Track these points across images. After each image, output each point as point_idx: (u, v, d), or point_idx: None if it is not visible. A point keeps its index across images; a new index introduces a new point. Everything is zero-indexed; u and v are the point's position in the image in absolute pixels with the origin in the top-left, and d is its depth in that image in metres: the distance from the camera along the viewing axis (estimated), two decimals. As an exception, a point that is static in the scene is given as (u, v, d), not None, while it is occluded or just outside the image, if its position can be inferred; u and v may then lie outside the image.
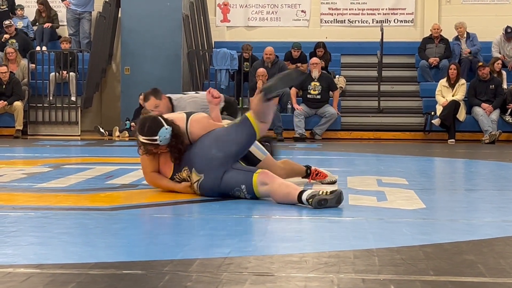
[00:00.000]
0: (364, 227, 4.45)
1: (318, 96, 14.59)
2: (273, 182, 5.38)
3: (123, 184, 6.49)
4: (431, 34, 16.15)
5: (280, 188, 5.33)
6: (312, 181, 6.57)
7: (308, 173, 6.59)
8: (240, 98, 15.50)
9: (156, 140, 5.58)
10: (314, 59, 14.94)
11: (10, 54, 15.30)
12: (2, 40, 15.93)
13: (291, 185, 5.39)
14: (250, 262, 3.42)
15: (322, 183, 6.53)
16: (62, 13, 17.05)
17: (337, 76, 15.69)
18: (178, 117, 5.84)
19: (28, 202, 5.31)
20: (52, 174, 7.28)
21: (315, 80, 14.60)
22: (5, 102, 14.45)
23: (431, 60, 15.84)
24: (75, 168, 8.03)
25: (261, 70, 14.58)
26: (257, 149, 6.14)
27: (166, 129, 5.60)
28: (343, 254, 3.62)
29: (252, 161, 6.12)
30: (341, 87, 15.57)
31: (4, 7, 16.69)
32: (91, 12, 16.65)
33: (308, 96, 14.62)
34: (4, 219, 4.59)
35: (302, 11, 17.20)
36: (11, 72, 14.83)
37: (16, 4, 16.82)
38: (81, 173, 7.43)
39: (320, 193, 5.13)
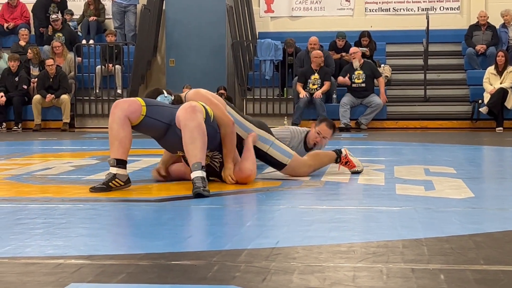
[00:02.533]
0: (412, 216, 4.41)
1: (363, 85, 14.51)
2: None
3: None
4: (477, 22, 15.95)
5: None
6: (341, 168, 6.52)
7: (338, 160, 6.50)
8: (285, 88, 15.47)
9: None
10: (353, 48, 14.86)
11: (57, 47, 15.46)
12: (49, 33, 16.10)
13: None
14: (298, 252, 3.41)
15: (351, 172, 6.47)
16: (108, 6, 17.17)
17: (382, 65, 15.59)
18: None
19: (77, 194, 5.36)
20: (100, 167, 7.34)
21: (358, 69, 14.51)
22: (53, 96, 14.62)
23: (478, 47, 15.65)
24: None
25: (317, 52, 14.54)
26: (280, 153, 6.14)
27: (166, 96, 5.71)
28: (391, 244, 3.59)
29: (277, 165, 6.15)
30: (387, 76, 15.45)
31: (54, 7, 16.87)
32: (136, 5, 16.75)
33: (352, 85, 14.54)
34: (54, 211, 4.64)
35: (347, 0, 17.10)
36: (57, 65, 14.98)
37: (67, 9, 16.88)
38: (128, 165, 7.45)
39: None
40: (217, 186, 5.70)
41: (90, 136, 12.78)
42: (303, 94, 14.45)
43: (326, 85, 14.54)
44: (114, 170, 5.47)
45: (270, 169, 6.60)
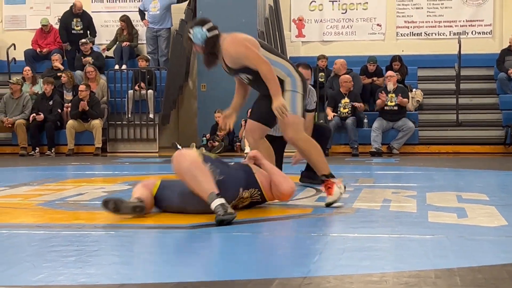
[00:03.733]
0: (445, 245, 4.38)
1: (395, 108, 14.47)
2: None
3: (201, 202, 6.51)
4: (509, 46, 15.86)
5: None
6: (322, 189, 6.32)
7: (323, 180, 6.21)
8: (316, 112, 15.45)
9: (189, 37, 6.11)
10: (390, 72, 14.86)
11: (90, 72, 15.61)
12: (83, 63, 16.24)
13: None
14: (329, 282, 3.40)
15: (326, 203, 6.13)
16: (141, 32, 17.33)
17: (414, 90, 15.54)
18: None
19: (109, 221, 5.38)
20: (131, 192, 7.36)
21: (391, 92, 14.50)
22: (85, 103, 14.66)
23: (510, 72, 15.55)
24: None
25: (346, 76, 14.62)
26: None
27: (203, 30, 6.08)
28: (424, 273, 3.57)
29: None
30: (418, 101, 15.41)
31: (78, 28, 17.00)
32: (168, 29, 16.86)
33: (385, 108, 14.52)
34: (86, 238, 4.67)
35: (378, 24, 17.10)
36: (91, 91, 15.11)
37: (88, 38, 17.02)
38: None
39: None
40: (249, 213, 5.70)
41: (122, 161, 12.85)
42: (331, 116, 14.46)
43: (361, 105, 14.61)
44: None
45: (303, 194, 6.59)
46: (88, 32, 17.03)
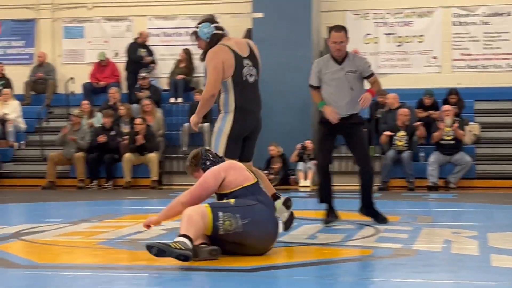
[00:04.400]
0: (511, 293, 4.31)
1: (452, 142, 14.33)
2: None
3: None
4: None
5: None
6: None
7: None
8: (372, 146, 15.38)
9: (196, 31, 6.33)
10: (447, 106, 14.74)
11: (147, 106, 15.78)
12: (140, 97, 16.43)
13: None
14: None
15: None
16: (198, 64, 17.49)
17: (470, 123, 15.38)
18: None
19: (170, 262, 5.40)
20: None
21: (448, 126, 14.39)
22: (142, 136, 14.79)
23: None
24: None
25: (403, 110, 14.57)
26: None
27: (210, 26, 6.31)
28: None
29: None
30: (475, 134, 15.24)
31: (144, 55, 17.21)
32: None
33: (441, 141, 14.39)
34: (151, 280, 4.69)
35: (434, 57, 17.01)
36: (147, 124, 15.26)
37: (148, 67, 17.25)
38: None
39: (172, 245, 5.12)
40: (308, 254, 5.68)
41: (178, 195, 12.89)
42: (386, 137, 14.44)
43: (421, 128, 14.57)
44: None
45: (361, 233, 6.55)
46: (153, 62, 17.27)
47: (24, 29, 18.59)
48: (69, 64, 18.33)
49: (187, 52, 17.25)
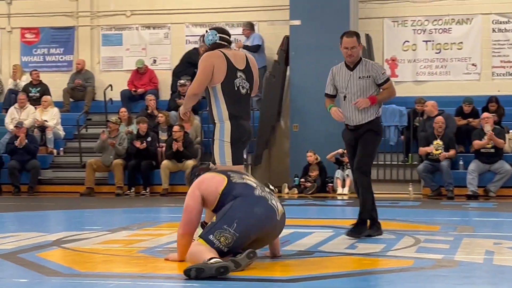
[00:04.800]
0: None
1: (492, 150, 14.18)
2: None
3: (299, 251, 6.50)
4: None
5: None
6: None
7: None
8: (410, 154, 15.30)
9: (204, 35, 6.54)
10: (486, 114, 14.60)
11: (184, 113, 15.79)
12: (179, 103, 16.48)
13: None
14: None
15: None
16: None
17: (510, 131, 15.21)
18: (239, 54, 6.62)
19: (210, 271, 5.39)
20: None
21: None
22: (179, 143, 14.81)
23: None
24: None
25: (439, 118, 14.49)
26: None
27: (216, 35, 6.47)
28: None
29: None
30: (515, 142, 15.09)
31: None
32: (261, 69, 16.96)
33: (481, 150, 14.24)
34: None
35: (473, 64, 16.86)
36: (185, 132, 15.31)
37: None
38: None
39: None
40: (348, 265, 5.64)
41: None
42: (425, 151, 14.33)
43: (452, 152, 14.32)
44: None
45: (402, 243, 6.49)
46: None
47: (63, 37, 18.78)
48: (107, 71, 18.48)
49: (219, 57, 17.24)
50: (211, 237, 5.43)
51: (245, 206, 5.56)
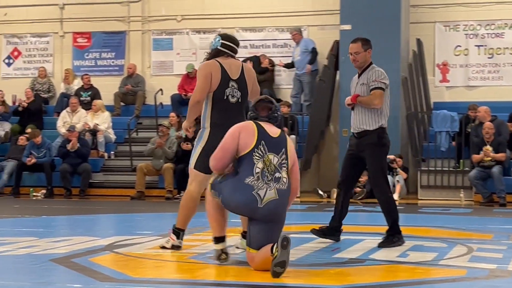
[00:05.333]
0: None
1: (545, 157, 14.00)
2: None
3: (350, 259, 6.46)
4: None
5: None
6: None
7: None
8: (461, 160, 15.13)
9: (214, 38, 6.79)
10: (537, 119, 14.42)
11: (234, 118, 15.85)
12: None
13: None
14: None
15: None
16: (284, 75, 17.56)
17: None
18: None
19: (260, 279, 5.39)
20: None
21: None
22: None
23: None
24: (298, 238, 7.93)
25: (488, 124, 14.34)
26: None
27: (219, 41, 6.76)
28: None
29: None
30: None
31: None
32: (310, 74, 16.94)
33: (532, 156, 14.07)
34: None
35: (526, 69, 16.64)
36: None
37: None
38: (306, 244, 7.48)
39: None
40: (400, 273, 5.59)
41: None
42: (480, 158, 14.14)
43: (500, 155, 14.13)
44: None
45: (454, 252, 6.42)
46: None
47: (115, 41, 18.97)
48: (158, 75, 18.62)
49: (271, 63, 17.32)
50: (212, 191, 5.91)
51: (231, 189, 5.78)
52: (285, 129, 15.77)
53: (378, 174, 7.46)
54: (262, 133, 5.84)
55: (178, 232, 6.93)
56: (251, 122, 5.96)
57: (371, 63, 7.56)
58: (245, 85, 6.81)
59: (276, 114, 6.02)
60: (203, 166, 6.59)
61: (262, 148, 5.79)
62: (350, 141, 7.72)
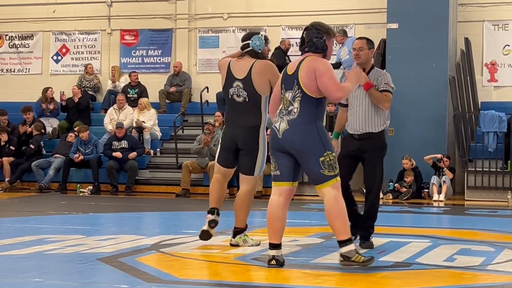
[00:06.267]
0: None
1: None
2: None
3: (396, 262, 6.42)
4: None
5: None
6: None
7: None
8: (509, 161, 14.94)
9: (249, 43, 7.07)
10: None
11: (279, 116, 15.85)
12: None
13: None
14: None
15: None
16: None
17: None
18: None
19: (306, 282, 5.39)
20: (325, 247, 7.37)
21: None
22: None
23: None
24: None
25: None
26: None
27: (260, 36, 7.14)
28: None
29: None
30: None
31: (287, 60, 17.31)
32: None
33: None
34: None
35: None
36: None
37: None
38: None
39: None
40: (446, 279, 5.54)
41: (309, 207, 12.89)
42: None
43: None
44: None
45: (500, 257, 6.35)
46: None
47: (161, 39, 19.08)
48: (204, 73, 18.68)
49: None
50: None
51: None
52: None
53: (380, 177, 7.44)
54: (284, 75, 6.23)
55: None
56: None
57: (373, 66, 7.49)
58: (251, 84, 7.07)
59: (313, 40, 6.16)
60: (220, 159, 7.37)
61: (282, 91, 6.19)
62: (346, 141, 7.52)
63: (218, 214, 7.48)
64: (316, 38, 6.15)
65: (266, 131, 7.26)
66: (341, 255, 5.89)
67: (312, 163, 5.94)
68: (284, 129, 6.01)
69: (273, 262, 6.00)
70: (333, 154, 6.00)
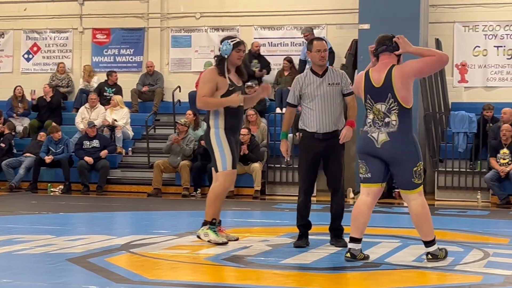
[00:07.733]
0: None
1: None
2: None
3: (365, 263, 6.45)
4: None
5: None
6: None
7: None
8: (478, 162, 15.07)
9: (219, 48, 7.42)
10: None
11: (251, 116, 15.89)
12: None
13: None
14: None
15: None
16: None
17: None
18: None
19: (276, 283, 5.41)
20: (293, 248, 7.38)
21: None
22: (245, 146, 14.86)
23: None
24: (315, 239, 7.93)
25: (506, 126, 14.24)
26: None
27: (229, 44, 7.40)
28: None
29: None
30: None
31: (257, 69, 17.33)
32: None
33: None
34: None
35: (545, 71, 16.56)
36: (252, 134, 15.36)
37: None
38: (323, 246, 7.48)
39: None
40: (413, 280, 5.58)
41: (281, 207, 12.92)
42: (497, 167, 14.03)
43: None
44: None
45: (469, 257, 6.40)
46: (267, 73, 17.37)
47: (134, 38, 19.02)
48: (176, 72, 18.66)
49: (290, 61, 17.28)
50: None
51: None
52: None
53: (342, 176, 7.55)
54: (367, 85, 6.46)
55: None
56: (362, 73, 6.63)
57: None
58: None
59: (384, 46, 6.79)
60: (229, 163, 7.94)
61: (369, 101, 6.43)
62: (307, 143, 7.44)
63: None
64: (382, 45, 6.84)
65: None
66: (429, 253, 6.44)
67: (406, 172, 6.42)
68: (384, 140, 6.37)
69: (348, 255, 6.40)
70: (422, 163, 6.49)
